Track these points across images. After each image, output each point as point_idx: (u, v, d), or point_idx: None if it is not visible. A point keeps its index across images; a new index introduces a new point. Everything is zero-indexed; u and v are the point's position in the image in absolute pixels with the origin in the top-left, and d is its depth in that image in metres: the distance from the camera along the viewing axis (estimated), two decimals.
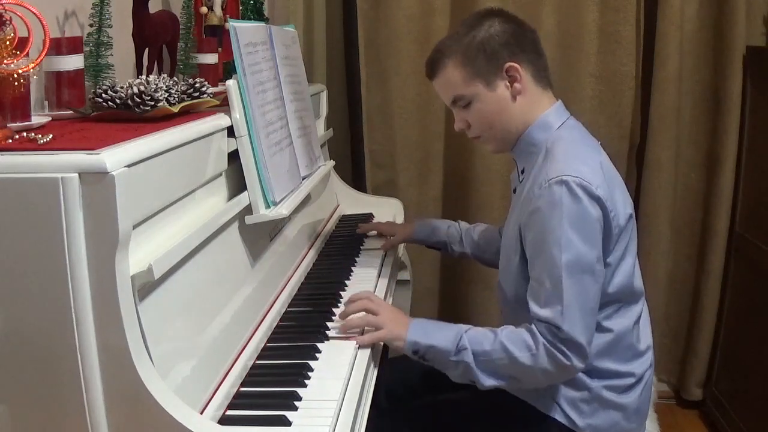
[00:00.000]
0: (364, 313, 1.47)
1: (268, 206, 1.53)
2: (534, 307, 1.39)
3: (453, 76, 1.53)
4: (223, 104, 1.49)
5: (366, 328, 1.46)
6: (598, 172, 1.41)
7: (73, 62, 1.43)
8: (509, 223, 1.56)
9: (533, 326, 1.39)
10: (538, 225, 1.39)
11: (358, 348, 1.42)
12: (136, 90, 1.28)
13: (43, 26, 1.11)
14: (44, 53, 1.12)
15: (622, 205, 1.44)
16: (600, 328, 1.45)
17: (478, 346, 1.40)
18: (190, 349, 1.17)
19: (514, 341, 1.39)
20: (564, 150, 1.45)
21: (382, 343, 1.50)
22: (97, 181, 0.96)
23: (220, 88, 1.76)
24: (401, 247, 2.18)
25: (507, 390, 1.51)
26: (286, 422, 1.11)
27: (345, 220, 2.32)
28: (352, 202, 2.45)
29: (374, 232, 2.09)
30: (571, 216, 1.36)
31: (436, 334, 1.44)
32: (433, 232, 1.96)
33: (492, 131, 1.56)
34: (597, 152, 1.50)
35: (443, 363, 1.44)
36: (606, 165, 1.48)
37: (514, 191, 1.62)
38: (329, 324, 1.50)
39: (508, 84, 1.50)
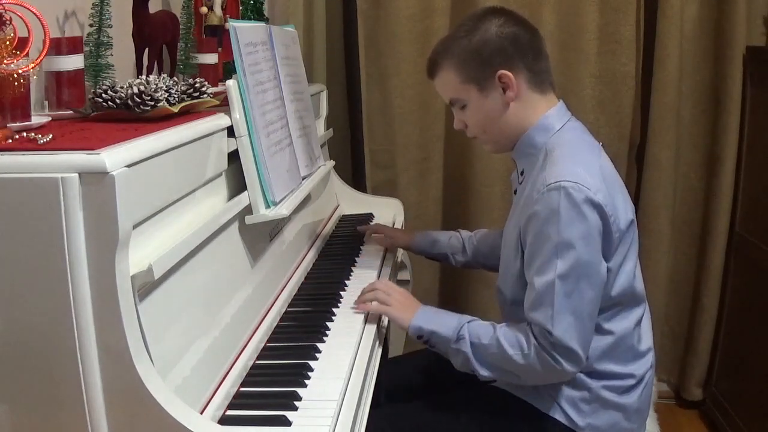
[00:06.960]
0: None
1: (268, 206, 1.53)
2: (527, 309, 1.40)
3: (449, 78, 1.53)
4: (223, 104, 1.49)
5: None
6: (597, 176, 1.40)
7: (73, 62, 1.43)
8: (509, 226, 1.56)
9: (529, 327, 1.39)
10: (536, 230, 1.39)
11: (366, 318, 1.53)
12: (136, 90, 1.27)
13: (43, 26, 1.11)
14: (44, 53, 1.12)
15: (623, 210, 1.43)
16: (600, 330, 1.45)
17: (477, 338, 1.44)
18: (190, 349, 1.16)
19: (509, 339, 1.41)
20: (563, 153, 1.44)
21: (382, 344, 1.51)
22: (97, 181, 0.96)
23: (220, 88, 1.76)
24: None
25: (507, 388, 1.51)
26: (286, 422, 1.11)
27: (345, 220, 2.32)
28: (352, 202, 2.45)
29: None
30: (568, 222, 1.35)
31: (440, 321, 1.50)
32: (433, 244, 1.95)
33: (487, 134, 1.57)
34: (597, 155, 1.49)
35: (446, 350, 1.49)
36: (606, 168, 1.46)
37: (515, 192, 1.62)
38: (329, 324, 1.50)
39: (501, 91, 1.49)
